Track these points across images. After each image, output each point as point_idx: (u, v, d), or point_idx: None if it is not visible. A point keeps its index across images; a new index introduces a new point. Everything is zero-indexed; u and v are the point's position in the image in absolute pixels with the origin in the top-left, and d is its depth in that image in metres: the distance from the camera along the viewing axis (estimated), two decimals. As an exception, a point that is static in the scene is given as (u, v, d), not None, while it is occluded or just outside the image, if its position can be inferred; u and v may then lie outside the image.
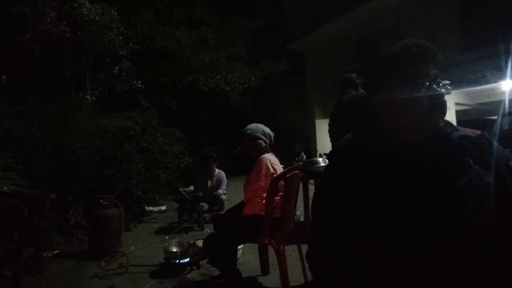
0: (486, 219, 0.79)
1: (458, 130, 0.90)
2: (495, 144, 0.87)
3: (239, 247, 3.19)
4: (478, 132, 0.91)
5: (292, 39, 11.79)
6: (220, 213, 2.85)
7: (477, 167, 0.81)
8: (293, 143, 13.43)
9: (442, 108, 0.83)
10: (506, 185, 0.81)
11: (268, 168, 2.38)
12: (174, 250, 3.09)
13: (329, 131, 2.39)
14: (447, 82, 0.84)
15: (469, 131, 0.92)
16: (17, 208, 1.96)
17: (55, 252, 3.51)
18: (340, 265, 0.94)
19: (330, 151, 1.14)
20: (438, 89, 0.81)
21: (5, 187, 2.15)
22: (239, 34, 10.94)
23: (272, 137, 2.60)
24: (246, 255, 3.27)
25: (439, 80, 0.83)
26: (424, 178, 0.81)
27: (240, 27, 11.14)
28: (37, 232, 3.29)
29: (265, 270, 2.82)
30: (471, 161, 0.82)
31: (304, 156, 3.88)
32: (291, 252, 2.89)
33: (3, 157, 2.72)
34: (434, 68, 0.84)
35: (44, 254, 3.30)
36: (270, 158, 2.46)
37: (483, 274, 0.78)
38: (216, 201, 5.01)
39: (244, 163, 2.51)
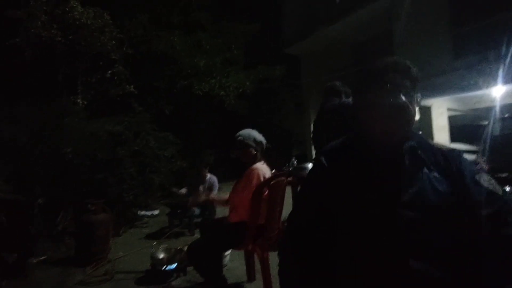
0: (440, 224, 0.84)
1: (425, 141, 0.99)
2: (464, 158, 0.96)
3: (227, 253, 3.18)
4: (451, 146, 1.02)
5: (289, 43, 11.85)
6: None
7: (436, 175, 0.89)
8: (291, 147, 13.44)
9: (406, 116, 0.90)
10: (470, 195, 0.88)
11: (259, 180, 2.36)
12: (161, 256, 3.06)
13: (313, 138, 2.39)
14: (418, 94, 0.94)
15: (442, 146, 1.01)
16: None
17: (42, 258, 3.48)
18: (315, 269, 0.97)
19: (318, 153, 1.19)
20: (403, 98, 0.89)
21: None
22: (235, 39, 10.96)
23: (264, 144, 2.60)
24: (234, 261, 3.25)
25: (406, 90, 0.91)
26: (385, 182, 0.90)
27: (237, 32, 11.16)
28: (23, 238, 3.26)
29: (251, 276, 2.81)
30: (425, 170, 0.90)
31: (295, 162, 3.88)
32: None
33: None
34: (406, 80, 0.92)
35: (30, 260, 3.27)
36: (262, 168, 2.45)
37: (441, 279, 0.81)
38: (208, 206, 4.99)
39: (241, 167, 2.52)
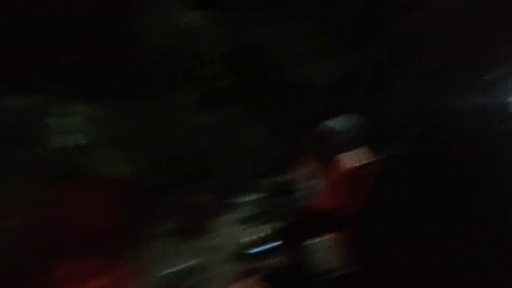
0: None
1: None
2: None
3: (318, 240, 3.20)
4: None
5: (388, 23, 10.87)
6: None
7: None
8: (385, 136, 12.49)
9: None
10: None
11: (348, 169, 2.37)
12: (253, 238, 3.29)
13: None
14: None
15: None
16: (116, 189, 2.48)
17: (159, 228, 4.13)
18: None
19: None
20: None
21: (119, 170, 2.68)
22: (328, 24, 10.64)
23: (353, 132, 2.55)
24: (323, 248, 3.25)
25: None
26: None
27: (333, 15, 10.79)
28: (143, 211, 3.91)
29: (341, 264, 2.77)
30: None
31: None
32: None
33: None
34: None
35: (148, 230, 3.91)
36: (350, 157, 2.42)
37: None
38: (304, 190, 5.06)
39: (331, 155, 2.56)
